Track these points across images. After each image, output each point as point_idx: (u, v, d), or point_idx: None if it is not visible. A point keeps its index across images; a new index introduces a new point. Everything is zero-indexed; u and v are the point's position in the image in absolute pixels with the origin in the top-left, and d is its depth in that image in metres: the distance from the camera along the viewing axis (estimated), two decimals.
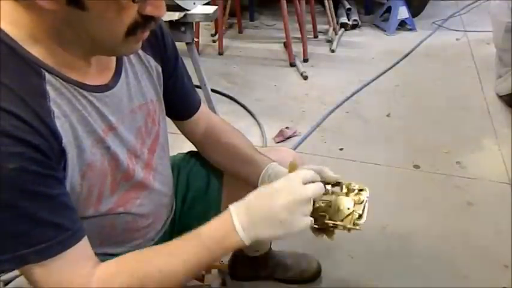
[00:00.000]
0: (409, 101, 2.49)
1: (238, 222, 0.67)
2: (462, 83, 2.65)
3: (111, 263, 0.68)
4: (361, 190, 0.78)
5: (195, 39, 2.67)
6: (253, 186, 0.89)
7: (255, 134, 2.20)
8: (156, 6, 0.61)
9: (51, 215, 0.60)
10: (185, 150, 1.09)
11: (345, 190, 0.79)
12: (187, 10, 1.69)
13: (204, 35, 3.49)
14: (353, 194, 0.78)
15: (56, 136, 0.61)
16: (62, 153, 0.62)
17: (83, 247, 0.65)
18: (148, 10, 0.61)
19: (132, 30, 0.61)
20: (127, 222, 0.82)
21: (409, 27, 3.51)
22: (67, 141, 0.63)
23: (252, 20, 3.89)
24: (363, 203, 0.76)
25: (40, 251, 0.60)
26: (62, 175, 0.64)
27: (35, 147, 0.57)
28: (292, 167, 0.77)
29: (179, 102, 0.92)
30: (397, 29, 3.48)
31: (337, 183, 0.80)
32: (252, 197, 0.70)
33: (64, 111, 0.62)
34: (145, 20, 0.61)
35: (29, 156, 0.56)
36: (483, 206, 1.69)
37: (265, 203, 0.68)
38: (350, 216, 0.75)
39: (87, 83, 0.67)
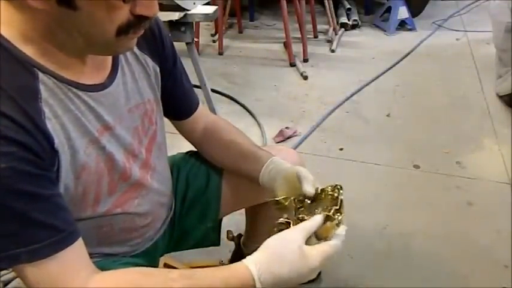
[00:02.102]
0: (409, 101, 2.49)
1: None
2: (462, 83, 2.65)
3: (110, 277, 0.65)
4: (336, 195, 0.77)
5: (195, 39, 2.67)
6: (254, 181, 0.89)
7: (255, 134, 2.19)
8: (148, 6, 0.61)
9: (44, 215, 0.59)
10: (184, 150, 1.09)
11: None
12: (187, 10, 1.69)
13: (204, 35, 3.49)
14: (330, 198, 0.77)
15: (47, 137, 0.60)
16: (55, 154, 0.62)
17: (78, 251, 0.64)
18: (140, 10, 0.60)
19: (124, 30, 0.61)
20: (125, 222, 0.81)
21: (409, 27, 3.51)
22: (59, 142, 0.62)
23: (252, 20, 3.89)
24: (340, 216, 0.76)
25: (32, 252, 0.59)
26: (55, 176, 0.63)
27: (26, 146, 0.57)
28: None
29: (177, 101, 0.92)
30: (397, 29, 3.48)
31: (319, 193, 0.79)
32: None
33: (55, 111, 0.62)
34: (138, 19, 0.61)
35: (20, 155, 0.56)
36: (483, 206, 1.69)
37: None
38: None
39: (82, 82, 0.66)
